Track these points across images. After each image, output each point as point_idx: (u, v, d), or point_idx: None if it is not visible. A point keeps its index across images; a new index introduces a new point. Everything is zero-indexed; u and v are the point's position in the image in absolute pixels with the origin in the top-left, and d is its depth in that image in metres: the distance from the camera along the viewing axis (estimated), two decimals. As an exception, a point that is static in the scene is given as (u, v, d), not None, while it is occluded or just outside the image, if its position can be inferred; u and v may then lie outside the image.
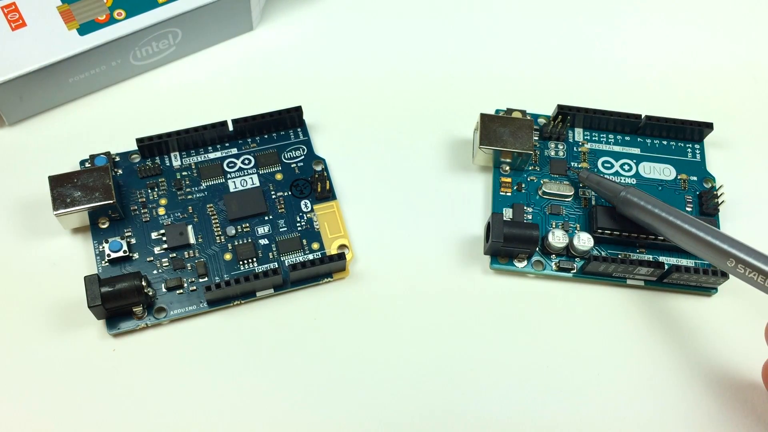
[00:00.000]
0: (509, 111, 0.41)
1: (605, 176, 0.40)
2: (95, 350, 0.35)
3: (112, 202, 0.36)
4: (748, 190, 0.41)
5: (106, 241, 0.37)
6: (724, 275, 0.37)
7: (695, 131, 0.41)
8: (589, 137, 0.41)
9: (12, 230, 0.37)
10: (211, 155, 0.39)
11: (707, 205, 0.39)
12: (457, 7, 0.46)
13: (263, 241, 0.37)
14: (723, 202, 0.39)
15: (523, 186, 0.40)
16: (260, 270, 0.37)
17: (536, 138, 0.41)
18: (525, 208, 0.39)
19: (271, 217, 0.38)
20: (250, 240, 0.37)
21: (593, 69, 0.45)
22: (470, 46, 0.45)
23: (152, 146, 0.38)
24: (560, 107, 0.41)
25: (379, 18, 0.45)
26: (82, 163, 0.38)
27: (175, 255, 0.37)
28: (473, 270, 0.38)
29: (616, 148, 0.41)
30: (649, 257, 0.39)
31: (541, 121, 0.42)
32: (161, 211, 0.38)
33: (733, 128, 0.43)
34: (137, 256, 0.37)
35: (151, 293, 0.35)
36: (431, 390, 0.36)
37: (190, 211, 0.38)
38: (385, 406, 0.35)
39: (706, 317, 0.38)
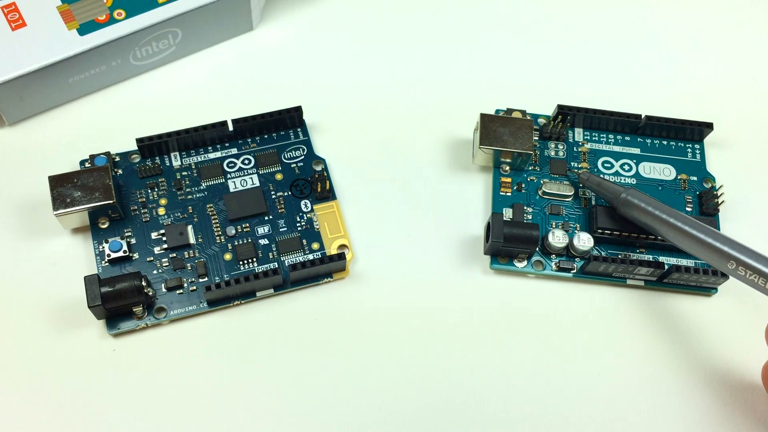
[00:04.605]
0: (509, 111, 0.41)
1: (605, 178, 0.40)
2: (95, 350, 0.35)
3: (112, 202, 0.36)
4: (748, 190, 0.41)
5: (106, 241, 0.37)
6: (724, 275, 0.37)
7: (695, 131, 0.41)
8: (589, 137, 0.41)
9: (12, 230, 0.37)
10: (211, 155, 0.39)
11: (707, 205, 0.39)
12: (458, 7, 0.46)
13: (263, 241, 0.37)
14: (723, 202, 0.39)
15: (523, 186, 0.40)
16: (260, 270, 0.37)
17: (536, 138, 0.41)
18: (525, 208, 0.39)
19: (271, 217, 0.38)
20: (250, 240, 0.37)
21: (593, 69, 0.45)
22: (470, 46, 0.45)
23: (152, 146, 0.38)
24: (560, 107, 0.41)
25: (379, 18, 0.45)
26: (82, 163, 0.38)
27: (175, 255, 0.37)
28: (473, 270, 0.38)
29: (616, 148, 0.41)
30: (649, 257, 0.39)
31: (541, 121, 0.42)
32: (161, 211, 0.38)
33: (733, 128, 0.43)
34: (137, 256, 0.37)
35: (151, 293, 0.35)
36: (431, 390, 0.36)
37: (190, 211, 0.38)
38: (386, 405, 0.35)
39: (706, 317, 0.38)
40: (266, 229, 0.38)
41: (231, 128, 0.39)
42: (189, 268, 0.37)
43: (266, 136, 0.40)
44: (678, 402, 0.36)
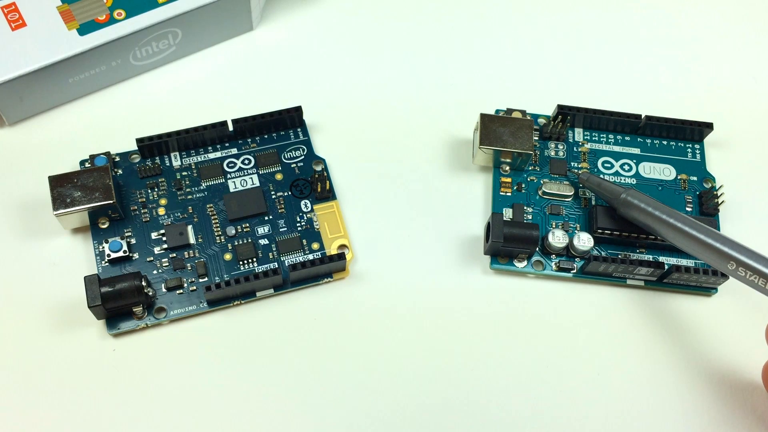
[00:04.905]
0: (509, 111, 0.41)
1: (605, 178, 0.40)
2: (95, 350, 0.35)
3: (112, 202, 0.36)
4: (748, 190, 0.41)
5: (106, 241, 0.37)
6: (724, 275, 0.37)
7: (695, 131, 0.41)
8: (589, 137, 0.41)
9: (12, 230, 0.37)
10: (211, 155, 0.39)
11: (707, 205, 0.39)
12: (458, 7, 0.46)
13: (263, 241, 0.37)
14: (723, 202, 0.39)
15: (523, 186, 0.40)
16: (260, 270, 0.37)
17: (536, 138, 0.41)
18: (525, 208, 0.39)
19: (271, 217, 0.38)
20: (250, 240, 0.37)
21: (593, 69, 0.45)
22: (470, 46, 0.45)
23: (152, 146, 0.38)
24: (560, 107, 0.41)
25: (379, 18, 0.45)
26: (82, 163, 0.38)
27: (175, 255, 0.37)
28: (473, 270, 0.38)
29: (616, 148, 0.41)
30: (649, 257, 0.39)
31: (541, 121, 0.42)
32: (161, 211, 0.38)
33: (733, 128, 0.43)
34: (137, 256, 0.37)
35: (151, 293, 0.35)
36: (431, 390, 0.36)
37: (190, 211, 0.38)
38: (386, 405, 0.35)
39: (706, 317, 0.38)
40: (266, 229, 0.38)
41: (231, 128, 0.39)
42: (189, 268, 0.37)
43: (266, 136, 0.40)
44: (678, 402, 0.36)
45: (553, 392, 0.36)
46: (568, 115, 0.41)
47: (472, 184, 0.40)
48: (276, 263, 0.37)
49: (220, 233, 0.37)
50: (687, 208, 0.40)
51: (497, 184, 0.40)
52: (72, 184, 0.36)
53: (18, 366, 0.35)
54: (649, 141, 0.42)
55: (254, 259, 0.37)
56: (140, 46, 0.40)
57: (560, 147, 0.41)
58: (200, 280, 0.36)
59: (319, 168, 0.40)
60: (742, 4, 0.48)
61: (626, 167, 0.41)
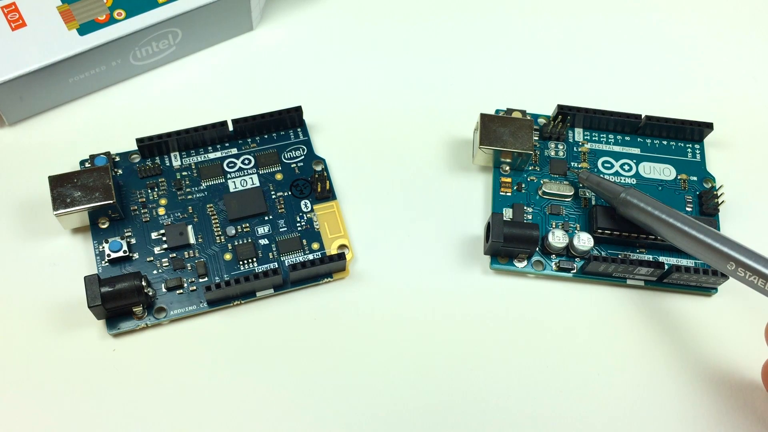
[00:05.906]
0: (509, 111, 0.41)
1: (605, 177, 0.40)
2: (95, 350, 0.35)
3: (112, 202, 0.36)
4: (748, 190, 0.41)
5: (106, 241, 0.37)
6: (724, 275, 0.37)
7: (695, 131, 0.41)
8: (589, 137, 0.41)
9: (12, 230, 0.37)
10: (211, 155, 0.39)
11: (707, 205, 0.39)
12: (458, 7, 0.46)
13: (263, 241, 0.37)
14: (723, 202, 0.39)
15: (523, 186, 0.40)
16: (260, 270, 0.37)
17: (536, 138, 0.41)
18: (525, 208, 0.39)
19: (271, 217, 0.38)
20: (250, 240, 0.37)
21: (593, 69, 0.45)
22: (470, 46, 0.45)
23: (152, 146, 0.38)
24: (560, 107, 0.41)
25: (379, 18, 0.45)
26: (82, 163, 0.38)
27: (175, 255, 0.37)
28: (473, 270, 0.38)
29: (616, 148, 0.41)
30: (649, 257, 0.39)
31: (541, 121, 0.42)
32: (161, 211, 0.38)
33: (733, 128, 0.43)
34: (137, 256, 0.37)
35: (151, 293, 0.35)
36: (431, 390, 0.36)
37: (190, 211, 0.38)
38: (385, 405, 0.35)
39: (706, 317, 0.38)
40: (266, 229, 0.38)
41: (231, 128, 0.39)
42: (189, 268, 0.37)
43: (266, 136, 0.40)
44: (678, 402, 0.36)
45: (553, 392, 0.36)
46: (568, 115, 0.41)
47: (472, 184, 0.40)
48: (276, 263, 0.37)
49: (220, 233, 0.37)
50: (687, 208, 0.40)
51: (497, 184, 0.40)
52: (72, 184, 0.36)
53: (18, 366, 0.35)
54: (649, 141, 0.42)
55: (254, 259, 0.37)
56: (140, 46, 0.40)
57: (560, 147, 0.41)
58: (200, 280, 0.36)
59: (319, 168, 0.40)
60: (742, 4, 0.48)
61: (626, 167, 0.41)
